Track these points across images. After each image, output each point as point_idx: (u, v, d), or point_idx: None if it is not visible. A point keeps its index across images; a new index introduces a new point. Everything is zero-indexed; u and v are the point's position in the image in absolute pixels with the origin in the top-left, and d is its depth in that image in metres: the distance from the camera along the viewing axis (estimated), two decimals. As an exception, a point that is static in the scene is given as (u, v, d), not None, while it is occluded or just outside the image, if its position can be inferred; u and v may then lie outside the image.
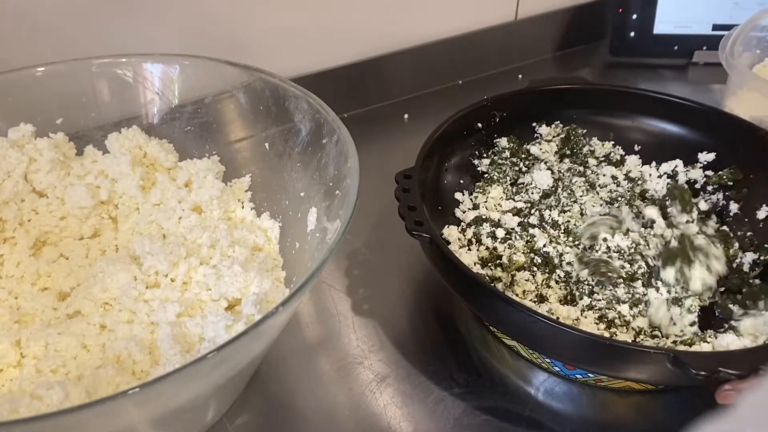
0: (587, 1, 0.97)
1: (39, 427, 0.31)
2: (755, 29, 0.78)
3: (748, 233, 0.59)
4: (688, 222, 0.60)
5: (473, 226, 0.60)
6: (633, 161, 0.67)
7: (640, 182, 0.65)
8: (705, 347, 0.49)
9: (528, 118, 0.68)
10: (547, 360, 0.51)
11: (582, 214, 0.61)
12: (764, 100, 0.63)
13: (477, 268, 0.56)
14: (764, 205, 0.59)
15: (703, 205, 0.62)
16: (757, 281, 0.55)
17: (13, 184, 0.52)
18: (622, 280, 0.55)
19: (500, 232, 0.59)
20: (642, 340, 0.51)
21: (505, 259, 0.57)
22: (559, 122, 0.69)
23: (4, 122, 0.53)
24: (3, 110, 0.53)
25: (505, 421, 0.49)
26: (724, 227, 0.61)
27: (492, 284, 0.54)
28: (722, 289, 0.55)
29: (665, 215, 0.60)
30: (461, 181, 0.65)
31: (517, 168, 0.66)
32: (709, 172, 0.63)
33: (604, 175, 0.66)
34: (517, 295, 0.54)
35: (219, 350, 0.34)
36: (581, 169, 0.66)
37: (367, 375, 0.52)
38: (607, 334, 0.51)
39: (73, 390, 0.39)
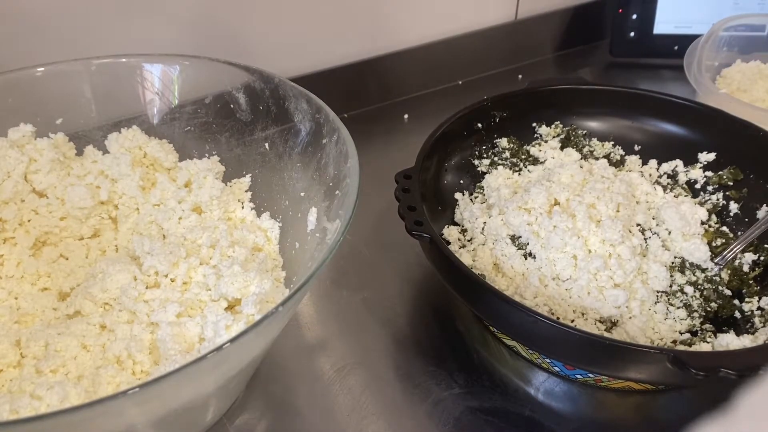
0: (587, 1, 0.97)
1: (39, 427, 0.31)
2: (728, 29, 0.81)
3: (748, 233, 0.59)
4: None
5: (473, 226, 0.60)
6: (633, 161, 0.67)
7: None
8: (705, 347, 0.49)
9: (528, 118, 0.68)
10: (547, 360, 0.51)
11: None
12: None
13: (477, 268, 0.56)
14: (764, 205, 0.59)
15: (704, 206, 0.62)
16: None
17: (13, 185, 0.52)
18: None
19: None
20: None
21: (505, 259, 0.57)
22: (559, 122, 0.69)
23: (4, 122, 0.53)
24: (3, 110, 0.53)
25: (505, 421, 0.49)
26: (724, 227, 0.61)
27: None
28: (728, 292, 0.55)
29: None
30: (461, 181, 0.65)
31: (517, 168, 0.66)
32: (709, 172, 0.63)
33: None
34: (517, 295, 0.54)
35: (219, 350, 0.34)
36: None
37: (367, 375, 0.52)
38: (607, 335, 0.51)
39: (73, 390, 0.39)
